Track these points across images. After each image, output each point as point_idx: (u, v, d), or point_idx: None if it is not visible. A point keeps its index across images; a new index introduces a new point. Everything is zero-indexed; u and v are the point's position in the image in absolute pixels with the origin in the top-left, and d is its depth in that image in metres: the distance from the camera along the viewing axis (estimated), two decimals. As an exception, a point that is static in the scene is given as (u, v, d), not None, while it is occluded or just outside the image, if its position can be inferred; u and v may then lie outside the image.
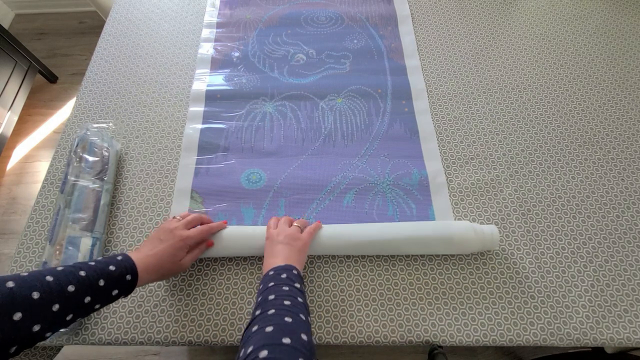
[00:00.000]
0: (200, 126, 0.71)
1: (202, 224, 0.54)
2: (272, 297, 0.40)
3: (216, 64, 0.79)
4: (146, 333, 0.52)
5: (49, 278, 0.35)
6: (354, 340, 0.51)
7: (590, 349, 0.73)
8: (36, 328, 0.33)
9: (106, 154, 0.62)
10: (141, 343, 0.52)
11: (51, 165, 0.66)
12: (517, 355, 1.04)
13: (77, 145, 0.61)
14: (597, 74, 0.77)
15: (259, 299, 0.41)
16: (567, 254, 0.58)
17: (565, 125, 0.70)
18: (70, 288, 0.36)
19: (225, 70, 0.79)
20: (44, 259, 0.52)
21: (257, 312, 0.39)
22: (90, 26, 1.81)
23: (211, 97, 0.74)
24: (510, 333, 0.52)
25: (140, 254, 0.46)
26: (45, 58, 1.62)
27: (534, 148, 0.68)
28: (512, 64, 0.79)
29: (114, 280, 0.41)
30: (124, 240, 0.60)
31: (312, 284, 0.56)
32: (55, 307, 0.34)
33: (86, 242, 0.54)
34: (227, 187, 0.64)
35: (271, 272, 0.45)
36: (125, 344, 0.52)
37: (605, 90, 0.74)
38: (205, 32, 0.84)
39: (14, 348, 0.32)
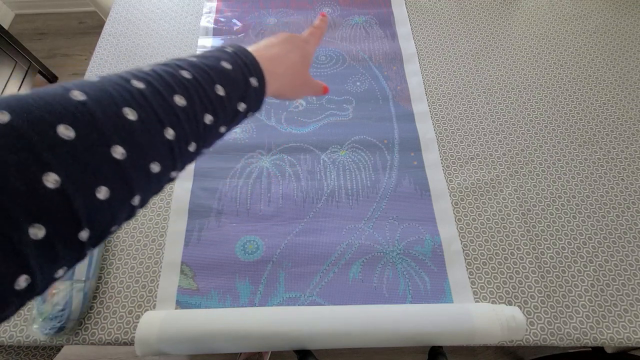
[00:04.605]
0: (190, 185, 0.64)
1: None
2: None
3: None
4: (146, 333, 0.52)
5: (139, 85, 0.21)
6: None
7: (590, 349, 0.73)
8: (155, 169, 0.21)
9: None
10: (141, 343, 0.52)
11: (51, 165, 0.66)
12: (517, 355, 1.04)
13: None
14: (597, 74, 0.77)
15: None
16: (567, 254, 0.58)
17: (565, 125, 0.70)
18: (180, 101, 0.23)
19: None
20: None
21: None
22: (90, 26, 1.80)
23: None
24: (510, 333, 0.52)
25: (258, 48, 0.31)
26: (45, 58, 1.62)
27: (534, 148, 0.68)
28: (512, 64, 0.79)
29: (237, 86, 0.27)
30: (124, 240, 0.60)
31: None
32: (170, 132, 0.22)
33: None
34: (221, 259, 0.58)
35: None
36: (125, 344, 0.52)
37: (605, 90, 0.74)
38: None
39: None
